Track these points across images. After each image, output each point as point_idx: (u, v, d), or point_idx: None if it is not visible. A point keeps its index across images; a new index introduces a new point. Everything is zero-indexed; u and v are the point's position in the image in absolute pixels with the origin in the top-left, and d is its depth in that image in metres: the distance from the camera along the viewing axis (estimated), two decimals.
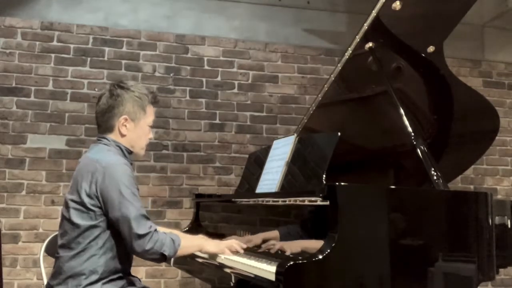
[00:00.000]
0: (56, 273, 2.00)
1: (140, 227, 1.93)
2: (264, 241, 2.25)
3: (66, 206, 2.02)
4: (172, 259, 2.57)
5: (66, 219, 2.01)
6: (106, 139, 2.10)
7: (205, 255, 2.31)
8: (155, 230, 1.97)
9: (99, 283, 1.96)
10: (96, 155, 2.04)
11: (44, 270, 2.35)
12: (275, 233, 2.22)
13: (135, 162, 3.93)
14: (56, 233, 2.14)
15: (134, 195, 1.97)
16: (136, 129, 2.12)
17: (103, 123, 2.11)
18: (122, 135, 2.10)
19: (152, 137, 2.23)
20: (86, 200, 1.95)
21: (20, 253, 3.73)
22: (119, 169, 1.98)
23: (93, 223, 1.96)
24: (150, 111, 2.16)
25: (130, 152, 2.15)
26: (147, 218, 1.98)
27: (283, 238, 2.15)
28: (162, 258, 1.98)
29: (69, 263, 1.96)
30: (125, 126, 2.09)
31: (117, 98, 2.08)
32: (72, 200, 1.99)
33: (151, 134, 2.20)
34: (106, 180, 1.95)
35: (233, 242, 2.21)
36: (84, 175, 1.99)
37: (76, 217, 1.97)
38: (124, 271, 2.07)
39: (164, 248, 1.96)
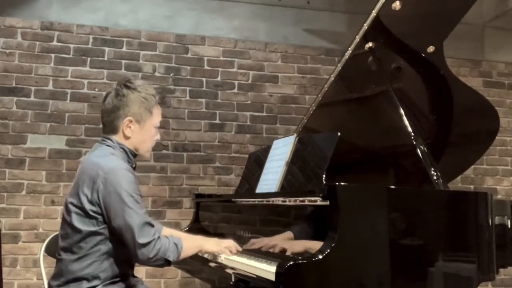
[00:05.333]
0: (58, 275, 1.99)
1: (143, 236, 1.89)
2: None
3: (67, 209, 1.98)
4: None
5: (67, 223, 1.98)
6: (111, 140, 2.06)
7: (207, 255, 2.31)
8: (158, 237, 1.94)
9: (101, 286, 1.95)
10: (99, 159, 1.99)
11: (44, 270, 2.34)
12: (288, 234, 2.17)
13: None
14: (56, 233, 2.13)
15: (137, 202, 1.93)
16: (141, 131, 2.07)
17: (108, 123, 2.07)
18: (126, 137, 2.06)
19: (159, 138, 2.18)
20: (88, 206, 1.92)
21: (20, 253, 3.73)
22: (121, 175, 1.93)
23: (94, 229, 1.93)
24: (157, 112, 2.11)
25: (135, 155, 2.11)
26: (151, 226, 1.95)
27: (282, 238, 2.15)
28: (166, 263, 1.96)
29: (71, 266, 1.95)
30: (130, 127, 2.04)
31: (123, 99, 2.03)
32: (73, 204, 1.96)
33: (157, 135, 2.15)
34: (108, 187, 1.90)
35: (232, 243, 2.20)
36: (86, 179, 1.95)
37: (77, 222, 1.94)
38: (126, 275, 2.06)
39: (168, 254, 1.94)
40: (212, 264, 2.29)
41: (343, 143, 2.26)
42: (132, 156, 2.09)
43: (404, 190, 2.13)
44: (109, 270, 1.96)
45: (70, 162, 3.86)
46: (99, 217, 1.93)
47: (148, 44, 4.15)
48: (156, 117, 2.11)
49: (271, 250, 2.15)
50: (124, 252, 1.97)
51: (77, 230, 1.94)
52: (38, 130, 3.89)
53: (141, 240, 1.89)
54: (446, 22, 2.63)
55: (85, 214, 1.93)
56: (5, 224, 3.73)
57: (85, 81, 4.01)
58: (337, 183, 1.84)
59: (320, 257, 1.75)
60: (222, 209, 2.86)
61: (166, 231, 2.43)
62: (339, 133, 2.25)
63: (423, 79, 2.81)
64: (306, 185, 2.29)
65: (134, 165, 2.11)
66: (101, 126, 2.14)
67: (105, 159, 1.98)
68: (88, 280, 1.93)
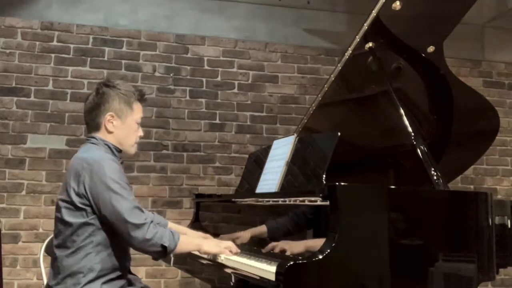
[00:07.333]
0: (54, 273, 1.99)
1: (135, 217, 1.91)
2: (254, 237, 2.26)
3: (57, 207, 2.01)
4: (172, 259, 2.58)
5: (58, 219, 2.00)
6: (95, 138, 2.09)
7: (206, 255, 2.31)
8: (151, 222, 1.96)
9: (98, 283, 1.94)
10: (83, 154, 2.03)
11: (44, 270, 2.35)
12: (262, 228, 2.26)
13: (135, 162, 3.94)
14: None
15: (123, 189, 1.95)
16: (123, 126, 2.10)
17: (90, 121, 2.11)
18: (109, 132, 2.09)
19: (142, 134, 2.20)
20: (76, 199, 1.94)
21: (20, 253, 3.73)
22: (105, 165, 1.96)
23: (84, 220, 1.95)
24: (138, 108, 2.15)
25: (120, 151, 2.13)
26: (141, 210, 1.97)
27: (282, 238, 2.16)
28: (163, 251, 1.96)
29: (66, 262, 1.95)
30: (112, 123, 2.08)
31: (103, 96, 2.08)
32: (62, 200, 1.99)
33: (140, 131, 2.17)
34: (93, 178, 1.93)
35: (231, 244, 2.20)
36: (72, 174, 1.98)
37: (67, 216, 1.96)
38: (123, 269, 2.06)
39: (164, 240, 1.94)
40: (212, 264, 2.29)
41: (343, 143, 2.26)
42: (116, 151, 2.11)
43: (404, 190, 2.12)
44: (104, 262, 1.96)
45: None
46: (88, 208, 1.95)
47: (148, 44, 4.15)
48: (137, 112, 2.15)
49: (271, 251, 2.15)
50: (118, 243, 1.98)
51: (68, 224, 1.96)
52: (38, 130, 3.89)
53: (134, 220, 1.91)
54: (446, 22, 2.63)
55: (74, 207, 1.95)
56: (5, 224, 3.73)
57: (85, 81, 4.01)
58: (337, 183, 1.84)
59: (320, 257, 1.75)
60: (222, 209, 2.86)
61: (172, 226, 2.45)
62: (339, 133, 2.25)
63: (423, 79, 2.81)
64: (306, 185, 2.29)
65: (121, 162, 2.12)
66: None
67: (89, 153, 2.03)
68: (83, 273, 1.93)
